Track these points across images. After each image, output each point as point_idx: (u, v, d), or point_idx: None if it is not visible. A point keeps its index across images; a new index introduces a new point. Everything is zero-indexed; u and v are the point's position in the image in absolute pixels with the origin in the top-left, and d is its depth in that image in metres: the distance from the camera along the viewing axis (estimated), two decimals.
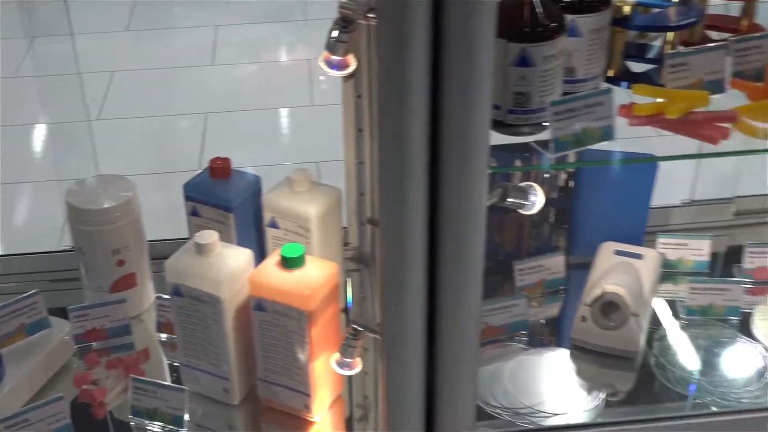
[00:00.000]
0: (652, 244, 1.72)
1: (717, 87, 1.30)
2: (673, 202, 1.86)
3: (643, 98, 1.32)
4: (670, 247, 1.71)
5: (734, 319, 1.62)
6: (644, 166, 1.66)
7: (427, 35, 1.04)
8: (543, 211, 1.71)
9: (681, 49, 1.35)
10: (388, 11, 1.03)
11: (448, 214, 1.17)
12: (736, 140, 1.28)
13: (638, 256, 1.67)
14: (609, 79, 1.37)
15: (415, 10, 1.01)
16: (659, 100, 1.28)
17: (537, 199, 1.29)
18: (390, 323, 1.23)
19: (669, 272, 1.72)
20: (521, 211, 1.30)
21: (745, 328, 1.61)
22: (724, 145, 1.30)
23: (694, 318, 1.62)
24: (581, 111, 1.18)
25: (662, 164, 1.66)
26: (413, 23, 1.02)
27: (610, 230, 1.72)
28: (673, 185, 1.82)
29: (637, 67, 1.40)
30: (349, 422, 1.51)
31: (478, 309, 1.25)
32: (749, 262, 1.69)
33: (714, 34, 1.46)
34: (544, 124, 1.20)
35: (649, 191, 1.68)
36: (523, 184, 1.30)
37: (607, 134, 1.20)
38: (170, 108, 3.70)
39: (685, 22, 1.35)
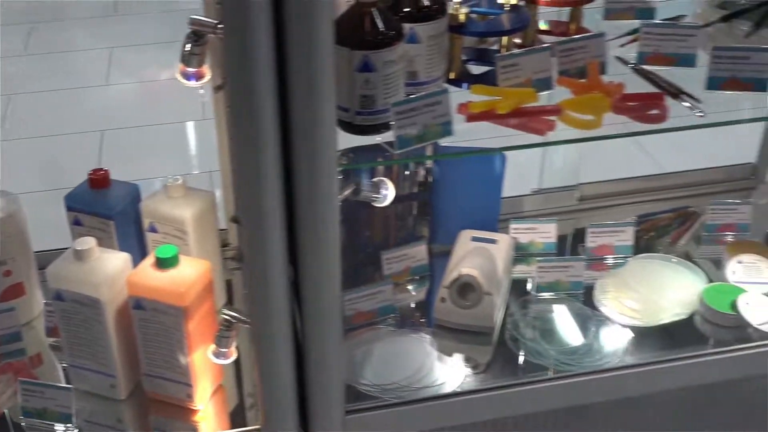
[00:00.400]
0: (506, 230, 1.77)
1: (545, 84, 1.36)
2: (525, 191, 1.91)
3: (481, 97, 1.35)
4: (521, 232, 1.77)
5: (578, 292, 1.67)
6: (494, 160, 1.71)
7: (270, 47, 1.06)
8: (407, 205, 1.76)
9: (514, 51, 1.39)
10: (232, 25, 1.05)
11: (304, 209, 1.19)
12: (569, 132, 1.32)
13: (493, 242, 1.72)
14: (451, 81, 1.42)
15: (258, 24, 1.03)
16: (495, 98, 1.31)
17: (388, 193, 1.33)
18: (256, 312, 1.24)
19: (521, 254, 1.77)
20: (375, 204, 1.33)
21: (588, 300, 1.66)
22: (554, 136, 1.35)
23: (543, 294, 1.67)
24: (422, 110, 1.22)
25: (513, 158, 1.71)
26: (256, 36, 1.04)
27: (468, 219, 1.77)
28: (523, 176, 1.88)
29: (477, 69, 1.44)
30: (237, 410, 1.51)
31: (338, 294, 1.28)
32: (591, 241, 1.75)
33: (547, 38, 1.51)
34: (390, 123, 1.23)
35: (500, 183, 1.73)
36: (375, 179, 1.32)
37: (447, 131, 1.24)
38: (68, 127, 3.63)
39: (515, 27, 1.40)
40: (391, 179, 1.71)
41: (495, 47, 1.47)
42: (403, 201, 1.76)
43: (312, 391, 1.37)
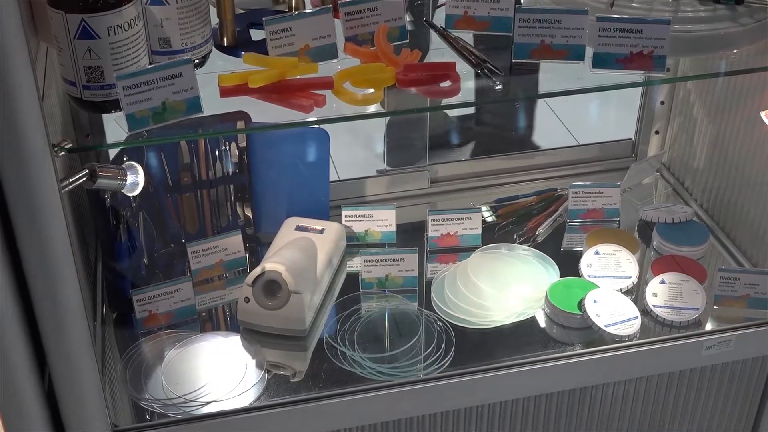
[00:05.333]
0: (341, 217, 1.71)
1: (329, 53, 1.28)
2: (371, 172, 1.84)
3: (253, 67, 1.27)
4: (355, 219, 1.70)
5: (412, 289, 1.60)
6: (315, 137, 1.64)
7: None
8: (224, 189, 1.68)
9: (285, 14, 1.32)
10: None
11: (17, 200, 1.11)
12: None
13: (320, 231, 1.64)
14: (224, 49, 1.33)
15: None
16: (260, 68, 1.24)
17: (138, 179, 1.24)
18: None
19: (356, 245, 1.70)
20: (125, 192, 1.25)
21: (426, 298, 1.62)
22: None
23: (371, 291, 1.60)
24: (158, 84, 1.14)
25: (358, 135, 1.64)
26: None
27: (294, 204, 1.70)
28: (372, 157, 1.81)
29: (260, 34, 1.36)
30: None
31: (78, 299, 1.21)
32: (433, 230, 1.68)
33: None
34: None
35: (325, 162, 1.66)
36: (125, 164, 1.24)
37: (193, 106, 1.17)
38: None
39: None
40: (200, 158, 1.64)
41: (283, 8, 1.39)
42: (217, 185, 1.68)
43: (65, 411, 1.31)
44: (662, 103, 1.91)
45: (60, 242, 1.17)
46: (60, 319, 1.23)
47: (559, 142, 2.01)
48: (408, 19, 1.48)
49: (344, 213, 1.72)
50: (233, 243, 1.67)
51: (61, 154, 1.16)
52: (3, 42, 1.01)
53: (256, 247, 1.73)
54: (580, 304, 1.56)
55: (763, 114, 1.48)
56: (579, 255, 1.69)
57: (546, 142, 2.08)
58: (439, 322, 1.57)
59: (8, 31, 1.02)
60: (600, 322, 1.53)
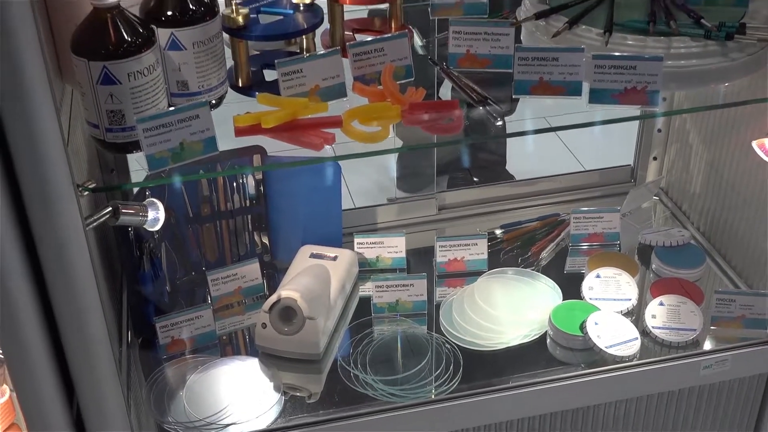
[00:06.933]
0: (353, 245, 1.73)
1: (339, 92, 1.31)
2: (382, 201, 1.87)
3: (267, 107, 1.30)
4: (366, 246, 1.72)
5: (422, 313, 1.62)
6: (327, 168, 1.66)
7: None
8: (242, 219, 1.71)
9: (296, 55, 1.34)
10: None
11: (43, 237, 1.15)
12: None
13: (333, 258, 1.67)
14: (239, 89, 1.36)
15: None
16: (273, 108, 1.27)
17: (159, 215, 1.27)
18: (5, 348, 1.20)
19: (368, 271, 1.72)
20: (146, 228, 1.28)
21: (435, 321, 1.64)
22: None
23: (382, 315, 1.62)
24: (176, 126, 1.16)
25: (369, 165, 1.66)
26: None
27: (309, 233, 1.72)
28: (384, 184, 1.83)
29: (274, 74, 1.39)
30: None
31: (103, 329, 1.24)
32: (441, 256, 1.70)
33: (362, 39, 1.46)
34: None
35: (337, 192, 1.69)
36: (147, 201, 1.27)
37: (210, 146, 1.19)
38: None
39: (300, 29, 1.35)
40: (219, 190, 1.67)
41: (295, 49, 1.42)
42: (235, 215, 1.71)
43: None
44: (659, 130, 1.93)
45: (85, 276, 1.20)
46: (87, 350, 1.25)
47: (563, 168, 2.02)
48: (420, 43, 1.51)
49: (356, 240, 1.75)
50: (251, 270, 1.70)
51: (85, 194, 1.19)
52: (29, 90, 1.04)
53: (273, 274, 1.76)
54: (582, 326, 1.57)
55: (754, 144, 1.50)
56: (581, 278, 1.71)
57: (550, 168, 2.09)
58: (447, 345, 1.59)
59: (34, 79, 1.05)
60: (601, 343, 1.55)
